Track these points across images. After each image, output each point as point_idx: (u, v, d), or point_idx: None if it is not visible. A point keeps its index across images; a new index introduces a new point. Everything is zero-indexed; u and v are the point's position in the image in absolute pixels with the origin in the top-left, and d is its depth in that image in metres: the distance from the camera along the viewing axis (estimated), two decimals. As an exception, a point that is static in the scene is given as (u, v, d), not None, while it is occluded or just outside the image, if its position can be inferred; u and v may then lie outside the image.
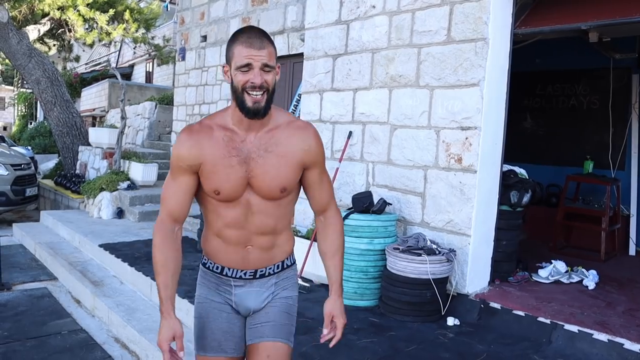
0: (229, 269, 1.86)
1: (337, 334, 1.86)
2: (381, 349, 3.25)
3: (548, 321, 3.47)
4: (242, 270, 1.85)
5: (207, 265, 1.91)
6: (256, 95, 1.64)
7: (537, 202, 5.74)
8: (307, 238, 4.62)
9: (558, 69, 6.59)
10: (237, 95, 1.67)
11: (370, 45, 4.69)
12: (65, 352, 3.69)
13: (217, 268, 1.87)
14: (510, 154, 4.65)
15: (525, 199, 4.23)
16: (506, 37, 3.95)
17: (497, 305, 3.74)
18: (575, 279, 4.40)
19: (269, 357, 1.82)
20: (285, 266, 1.92)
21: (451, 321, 3.69)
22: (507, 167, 4.34)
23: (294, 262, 1.99)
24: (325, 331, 1.86)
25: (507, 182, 4.23)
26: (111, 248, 5.64)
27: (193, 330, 1.92)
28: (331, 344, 1.88)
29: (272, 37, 1.71)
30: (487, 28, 3.77)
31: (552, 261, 4.54)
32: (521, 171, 4.43)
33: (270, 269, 1.87)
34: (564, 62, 6.47)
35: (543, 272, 4.42)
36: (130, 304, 4.39)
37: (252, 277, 1.86)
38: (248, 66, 1.62)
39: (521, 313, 3.61)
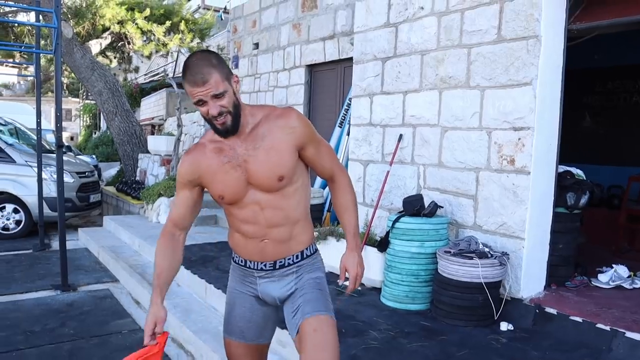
0: (250, 262, 2.00)
1: (350, 285, 2.01)
2: (432, 353, 3.21)
3: (608, 328, 3.32)
4: (262, 262, 1.98)
5: (234, 259, 2.11)
6: (220, 119, 1.78)
7: (597, 204, 5.51)
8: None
9: (618, 64, 6.31)
10: (207, 121, 1.83)
11: (419, 47, 4.66)
12: (125, 351, 3.82)
13: (242, 261, 2.04)
14: (567, 154, 4.49)
15: (583, 200, 4.07)
16: (560, 34, 3.82)
17: (553, 311, 3.62)
18: (639, 284, 4.19)
19: (315, 331, 1.87)
20: (304, 256, 2.01)
21: (504, 326, 3.59)
22: (563, 168, 4.20)
23: (316, 251, 2.08)
24: (339, 282, 2.09)
25: (564, 184, 4.09)
26: (168, 251, 5.82)
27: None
28: (346, 292, 2.12)
29: (215, 61, 1.76)
30: (539, 25, 3.67)
31: (614, 265, 4.34)
32: (578, 172, 4.26)
33: (289, 259, 1.98)
34: (625, 57, 6.19)
35: (603, 277, 4.24)
36: (186, 305, 4.53)
37: (272, 268, 1.98)
38: (201, 101, 1.75)
39: (579, 319, 3.47)
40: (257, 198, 1.88)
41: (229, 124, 1.80)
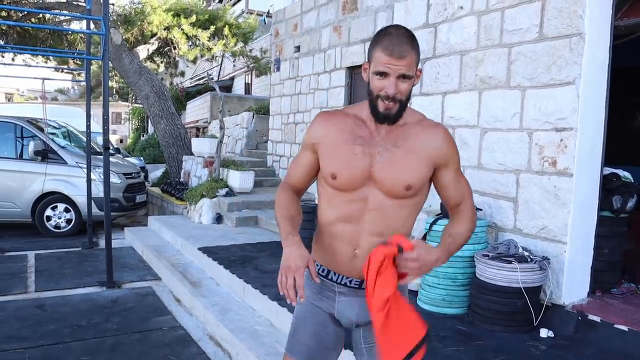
0: (334, 274, 1.81)
1: (412, 270, 1.56)
2: (467, 357, 3.15)
3: (656, 337, 3.19)
4: (347, 277, 1.79)
5: None
6: (388, 103, 1.61)
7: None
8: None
9: (672, 63, 6.02)
10: (371, 97, 1.65)
11: (458, 47, 4.59)
12: (165, 347, 3.95)
13: (323, 271, 1.83)
14: (616, 156, 4.33)
15: (630, 204, 3.91)
16: (605, 31, 3.69)
17: (596, 318, 3.49)
18: (692, 292, 3.99)
19: None
20: None
21: (544, 333, 3.49)
22: (609, 170, 4.04)
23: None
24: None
25: (609, 186, 3.94)
26: (209, 251, 5.95)
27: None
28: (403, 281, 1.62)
29: (416, 45, 1.61)
30: (582, 22, 3.56)
31: (664, 272, 4.15)
32: (625, 174, 4.09)
33: None
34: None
35: (653, 284, 4.06)
36: (225, 304, 4.60)
37: (357, 286, 1.78)
38: (384, 74, 1.58)
39: (624, 327, 3.33)
40: (370, 196, 1.70)
41: (393, 112, 1.63)
